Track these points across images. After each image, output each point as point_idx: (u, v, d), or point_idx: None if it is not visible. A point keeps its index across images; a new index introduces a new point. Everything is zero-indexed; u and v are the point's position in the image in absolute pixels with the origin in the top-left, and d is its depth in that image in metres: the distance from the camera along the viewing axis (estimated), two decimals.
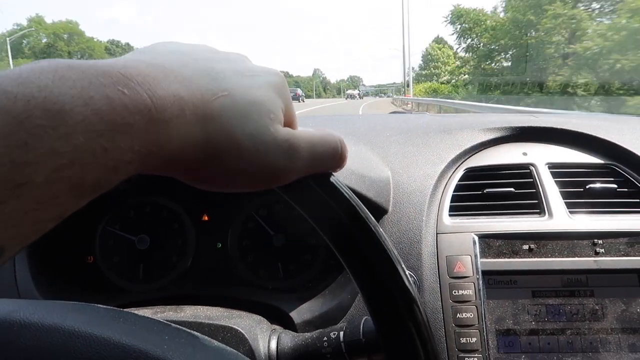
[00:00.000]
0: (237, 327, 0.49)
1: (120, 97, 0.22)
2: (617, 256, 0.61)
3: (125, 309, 0.57)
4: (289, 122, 0.32)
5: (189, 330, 0.34)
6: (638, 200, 0.68)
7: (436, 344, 0.35)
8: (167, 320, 0.38)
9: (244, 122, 0.28)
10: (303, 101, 50.79)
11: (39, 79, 0.20)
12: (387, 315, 0.34)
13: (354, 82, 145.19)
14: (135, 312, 0.55)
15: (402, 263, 0.34)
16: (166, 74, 0.26)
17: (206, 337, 0.36)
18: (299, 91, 56.85)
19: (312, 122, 1.00)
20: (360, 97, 72.04)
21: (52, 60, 0.22)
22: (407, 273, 0.34)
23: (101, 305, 0.35)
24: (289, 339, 0.51)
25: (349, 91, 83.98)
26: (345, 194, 0.33)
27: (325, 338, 0.47)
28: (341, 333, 0.46)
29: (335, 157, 0.33)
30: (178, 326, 0.35)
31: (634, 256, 0.61)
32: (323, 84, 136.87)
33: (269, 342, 0.50)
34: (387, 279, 0.33)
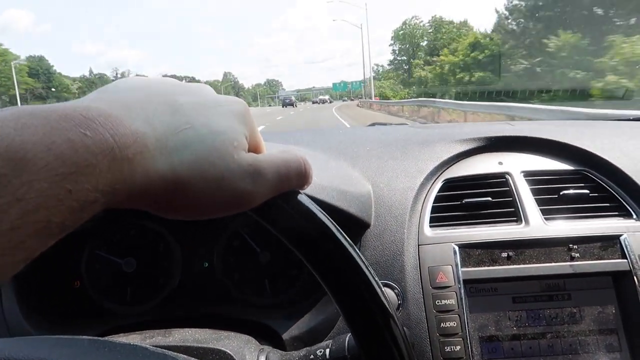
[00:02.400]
0: (225, 349, 0.50)
1: (82, 140, 0.23)
2: (591, 260, 0.63)
3: (110, 336, 0.57)
4: (254, 147, 0.33)
5: (173, 354, 0.35)
6: (609, 204, 0.70)
7: (414, 356, 0.36)
8: (156, 345, 0.39)
9: (207, 152, 0.29)
10: (296, 106, 59.71)
11: (0, 128, 0.21)
12: (365, 331, 0.35)
13: (272, 86, 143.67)
14: (125, 337, 0.56)
15: (374, 275, 0.35)
16: (128, 111, 0.27)
17: (190, 358, 0.37)
18: (293, 98, 68.36)
19: (293, 137, 1.01)
20: (330, 102, 77.97)
21: (14, 108, 0.23)
22: (381, 287, 0.35)
23: (85, 337, 0.36)
24: (277, 358, 0.51)
25: (321, 97, 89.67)
26: (312, 208, 0.34)
27: (312, 356, 0.48)
28: (327, 350, 0.47)
29: (299, 176, 0.34)
30: (162, 350, 0.36)
31: (607, 259, 0.63)
32: (235, 89, 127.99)
33: None
34: (360, 293, 0.35)
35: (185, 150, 0.28)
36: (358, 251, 0.35)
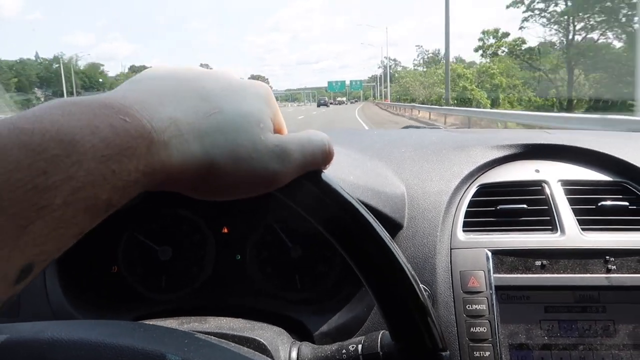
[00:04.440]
0: (259, 339, 0.51)
1: (122, 125, 0.25)
2: (628, 273, 0.62)
3: (144, 320, 0.59)
4: (278, 129, 0.35)
5: (205, 336, 0.37)
6: None
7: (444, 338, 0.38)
8: (192, 331, 0.40)
9: (236, 134, 0.30)
10: (328, 106, 63.37)
11: (50, 115, 0.23)
12: (390, 302, 0.37)
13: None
14: (162, 322, 0.58)
15: (399, 251, 0.37)
16: (161, 99, 0.29)
17: (223, 340, 0.39)
18: (326, 99, 74.58)
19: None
20: (346, 104, 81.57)
21: (58, 100, 0.25)
22: (404, 260, 0.37)
23: (122, 321, 0.38)
24: (309, 350, 0.52)
25: (339, 99, 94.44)
26: (338, 189, 0.36)
27: (344, 351, 0.49)
28: (359, 346, 0.48)
29: (323, 153, 0.36)
30: (195, 332, 0.38)
31: None
32: None
33: (289, 354, 0.52)
34: (384, 265, 0.36)
35: (216, 133, 0.30)
36: (382, 227, 0.37)
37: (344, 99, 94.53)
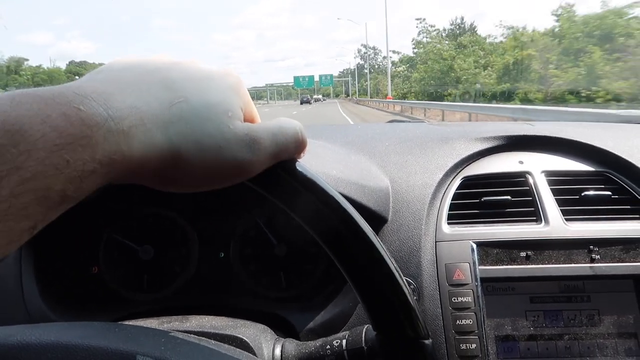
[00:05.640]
0: (242, 336, 0.50)
1: (76, 113, 0.24)
2: (612, 262, 0.62)
3: (125, 321, 0.58)
4: (250, 119, 0.34)
5: (184, 335, 0.36)
6: (631, 207, 0.69)
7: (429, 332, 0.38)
8: (173, 330, 0.39)
9: (203, 124, 0.29)
10: (310, 103, 64.05)
11: None
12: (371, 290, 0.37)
13: None
14: (142, 322, 0.56)
15: (379, 241, 0.36)
16: (121, 88, 0.28)
17: (203, 339, 0.38)
18: (309, 97, 74.61)
19: (312, 131, 1.01)
20: (321, 101, 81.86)
21: (10, 91, 0.24)
22: (384, 247, 0.37)
23: (96, 322, 0.37)
24: (293, 347, 0.52)
25: (315, 96, 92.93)
26: (314, 178, 0.35)
27: (328, 346, 0.48)
28: (344, 341, 0.47)
29: (296, 142, 0.35)
30: (174, 331, 0.36)
31: (629, 262, 0.62)
32: None
33: (273, 351, 0.51)
34: (359, 249, 0.36)
35: (181, 122, 0.29)
36: (363, 218, 0.36)
37: (320, 96, 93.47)
